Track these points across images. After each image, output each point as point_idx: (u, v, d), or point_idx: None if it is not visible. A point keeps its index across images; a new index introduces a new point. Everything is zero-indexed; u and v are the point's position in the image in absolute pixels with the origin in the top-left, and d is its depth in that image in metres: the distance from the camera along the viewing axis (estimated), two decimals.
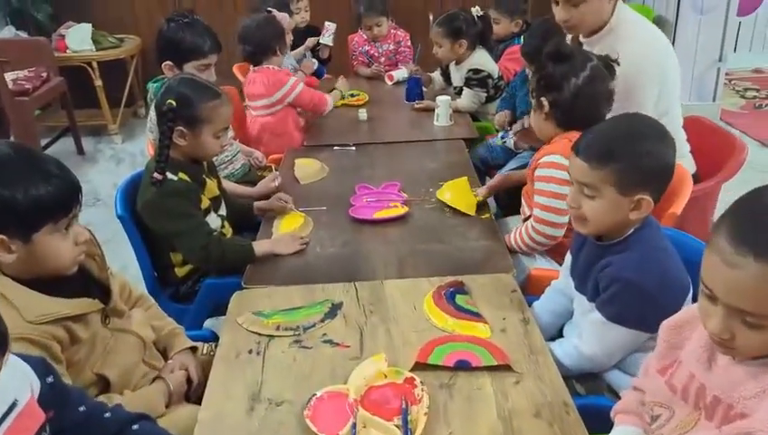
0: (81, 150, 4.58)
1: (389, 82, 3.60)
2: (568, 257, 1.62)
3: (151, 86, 2.37)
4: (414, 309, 1.60)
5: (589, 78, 1.75)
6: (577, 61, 1.77)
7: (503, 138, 2.81)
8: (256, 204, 2.19)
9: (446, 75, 3.43)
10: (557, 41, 1.90)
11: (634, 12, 2.17)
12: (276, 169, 2.55)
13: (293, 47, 3.61)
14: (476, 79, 3.12)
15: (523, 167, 2.54)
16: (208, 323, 2.03)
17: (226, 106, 1.91)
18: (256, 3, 3.47)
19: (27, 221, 1.18)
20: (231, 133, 2.38)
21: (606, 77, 1.78)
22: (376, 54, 3.80)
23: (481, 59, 3.16)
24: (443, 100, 2.93)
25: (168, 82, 1.89)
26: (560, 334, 1.63)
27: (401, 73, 3.60)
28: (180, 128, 1.83)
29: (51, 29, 4.73)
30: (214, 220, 1.98)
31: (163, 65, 2.30)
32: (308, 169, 2.49)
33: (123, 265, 2.00)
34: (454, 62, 3.27)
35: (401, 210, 2.11)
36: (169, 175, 1.82)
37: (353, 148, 2.73)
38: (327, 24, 3.72)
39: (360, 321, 1.56)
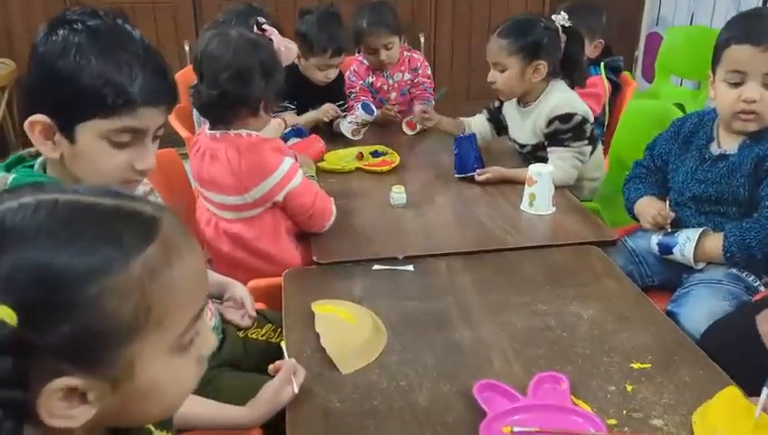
0: None
1: (410, 132, 2.35)
2: None
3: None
4: None
5: None
6: None
7: (666, 248, 1.59)
8: None
9: (496, 119, 2.21)
10: None
11: None
12: (281, 335, 1.26)
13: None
14: (569, 129, 1.90)
15: (749, 308, 1.39)
16: None
17: (191, 258, 0.60)
18: (231, 13, 2.03)
19: None
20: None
21: None
22: (385, 88, 2.51)
23: (564, 95, 1.96)
24: (542, 172, 1.72)
25: None
26: None
27: None
28: (68, 383, 0.53)
29: None
30: None
31: (31, 123, 0.93)
32: (347, 332, 1.21)
33: None
34: (516, 100, 2.06)
35: None
36: None
37: (411, 267, 1.49)
38: (360, 109, 2.22)
39: None
